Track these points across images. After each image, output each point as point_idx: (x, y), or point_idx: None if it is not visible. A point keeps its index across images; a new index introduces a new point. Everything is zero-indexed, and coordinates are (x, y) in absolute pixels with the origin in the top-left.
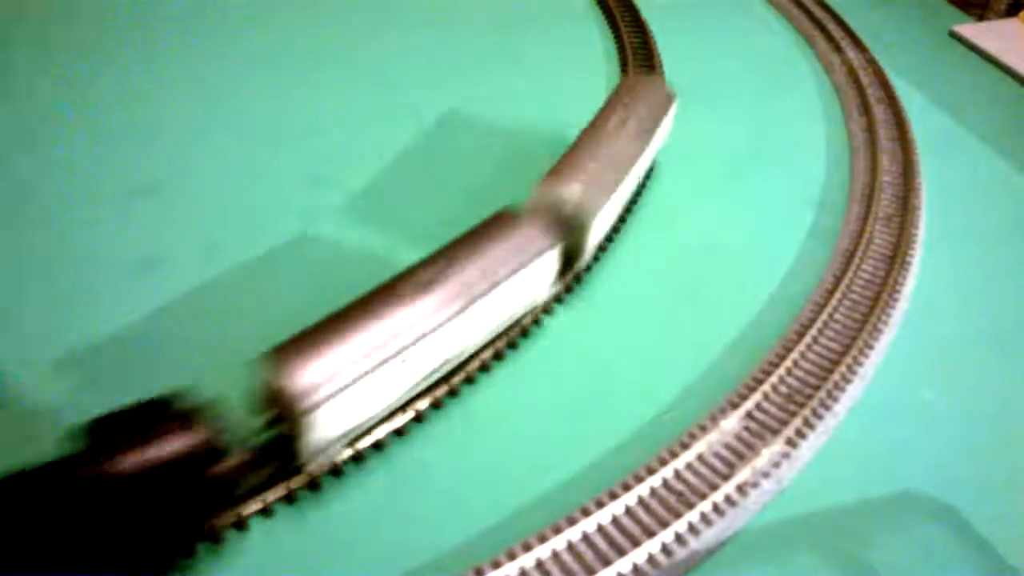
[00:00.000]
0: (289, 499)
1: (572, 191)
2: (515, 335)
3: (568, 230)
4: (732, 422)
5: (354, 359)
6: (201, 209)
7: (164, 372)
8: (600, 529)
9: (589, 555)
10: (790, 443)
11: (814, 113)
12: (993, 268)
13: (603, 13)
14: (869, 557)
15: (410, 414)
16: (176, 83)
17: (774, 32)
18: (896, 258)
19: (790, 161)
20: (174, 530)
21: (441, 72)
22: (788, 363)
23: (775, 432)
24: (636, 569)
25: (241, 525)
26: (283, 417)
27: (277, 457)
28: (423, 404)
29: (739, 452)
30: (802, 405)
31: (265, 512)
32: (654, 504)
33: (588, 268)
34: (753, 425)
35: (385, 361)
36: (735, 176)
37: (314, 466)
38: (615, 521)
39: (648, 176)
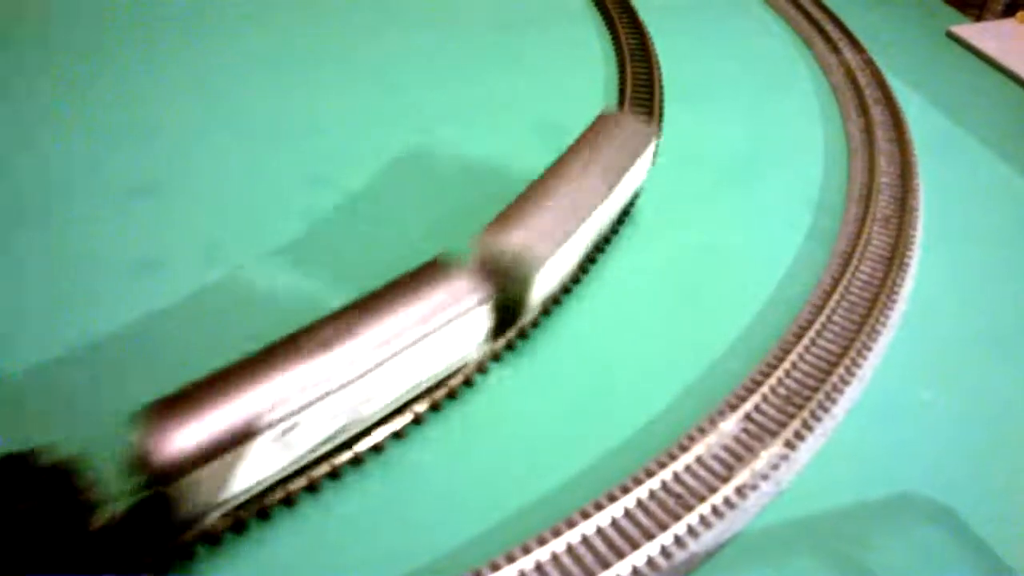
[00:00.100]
0: (288, 502)
1: (516, 241)
2: (500, 348)
3: (505, 285)
4: (731, 424)
5: (234, 423)
6: (201, 209)
7: (164, 372)
8: (599, 532)
9: (588, 558)
10: (789, 445)
11: (812, 114)
12: (991, 269)
13: (601, 14)
14: (868, 559)
15: (408, 417)
16: (176, 83)
17: (772, 33)
18: (894, 259)
19: (788, 162)
20: None
21: (441, 72)
22: (786, 365)
23: (774, 434)
24: (635, 572)
25: (240, 528)
26: (149, 483)
27: (146, 523)
28: (421, 407)
29: (738, 454)
30: (801, 407)
31: (263, 515)
32: (653, 507)
33: (586, 270)
34: (752, 427)
35: (269, 426)
36: (733, 177)
37: (190, 536)
38: (614, 524)
39: (626, 213)
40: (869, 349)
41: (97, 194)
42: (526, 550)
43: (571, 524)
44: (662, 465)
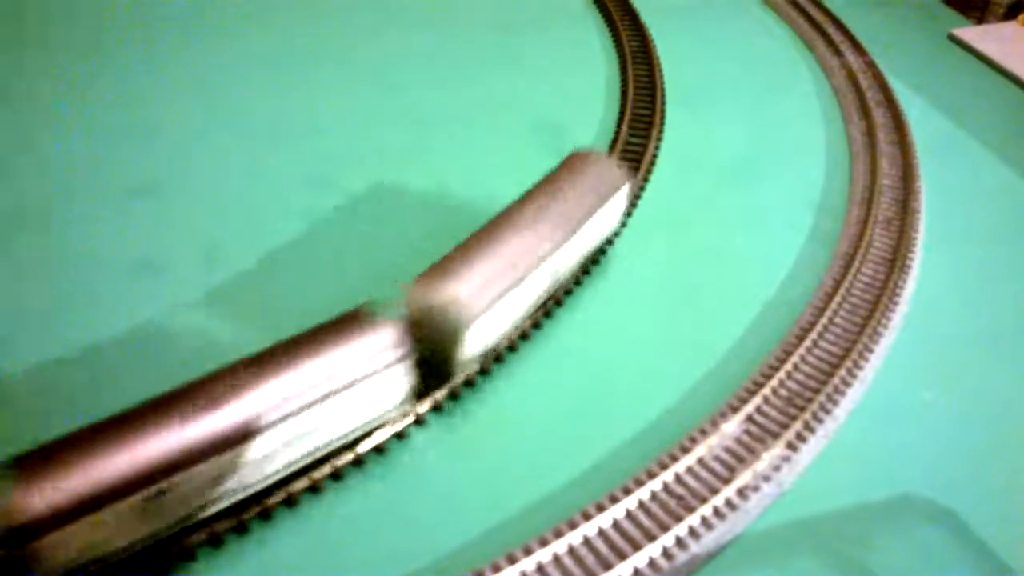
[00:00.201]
0: (289, 502)
1: (447, 294)
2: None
3: (430, 342)
4: (733, 426)
5: (98, 485)
6: (201, 209)
7: (164, 373)
8: (601, 533)
9: (590, 559)
10: (790, 446)
11: (814, 116)
12: (992, 270)
13: (602, 15)
14: (869, 560)
15: (411, 417)
16: (176, 83)
17: (773, 35)
18: (896, 261)
19: (790, 164)
20: None
21: (441, 72)
22: (788, 367)
23: (775, 436)
24: (637, 573)
25: (242, 528)
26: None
27: None
28: (423, 408)
29: (739, 456)
30: (802, 408)
31: (265, 515)
32: (655, 508)
33: (588, 272)
34: (753, 428)
35: (136, 489)
36: (735, 179)
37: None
38: (616, 525)
39: (593, 262)
40: (871, 351)
41: (97, 194)
42: (528, 551)
43: (573, 525)
44: (664, 466)
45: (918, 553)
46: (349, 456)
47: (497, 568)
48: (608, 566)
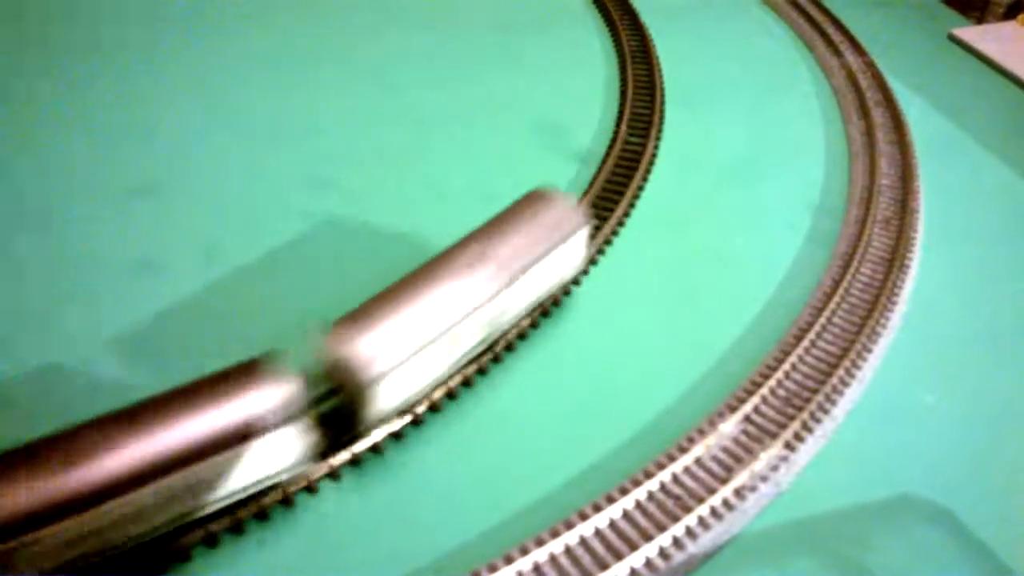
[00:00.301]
0: (286, 502)
1: (359, 346)
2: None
3: (335, 397)
4: (730, 426)
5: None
6: (201, 209)
7: (164, 373)
8: (597, 533)
9: (586, 559)
10: (788, 446)
11: (813, 116)
12: (992, 270)
13: (601, 15)
14: (867, 560)
15: (408, 418)
16: (176, 83)
17: (773, 35)
18: (895, 261)
19: (789, 164)
20: None
21: (440, 72)
22: (786, 366)
23: (773, 436)
24: (633, 573)
25: (238, 529)
26: None
27: None
28: (421, 408)
29: (737, 456)
30: (800, 408)
31: (261, 516)
32: (652, 508)
33: (586, 271)
34: (751, 429)
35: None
36: (734, 179)
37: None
38: (612, 525)
39: (544, 314)
40: (869, 351)
41: (97, 194)
42: (524, 551)
43: (569, 526)
44: (661, 467)
45: (917, 553)
46: (345, 455)
47: (494, 568)
48: (605, 566)
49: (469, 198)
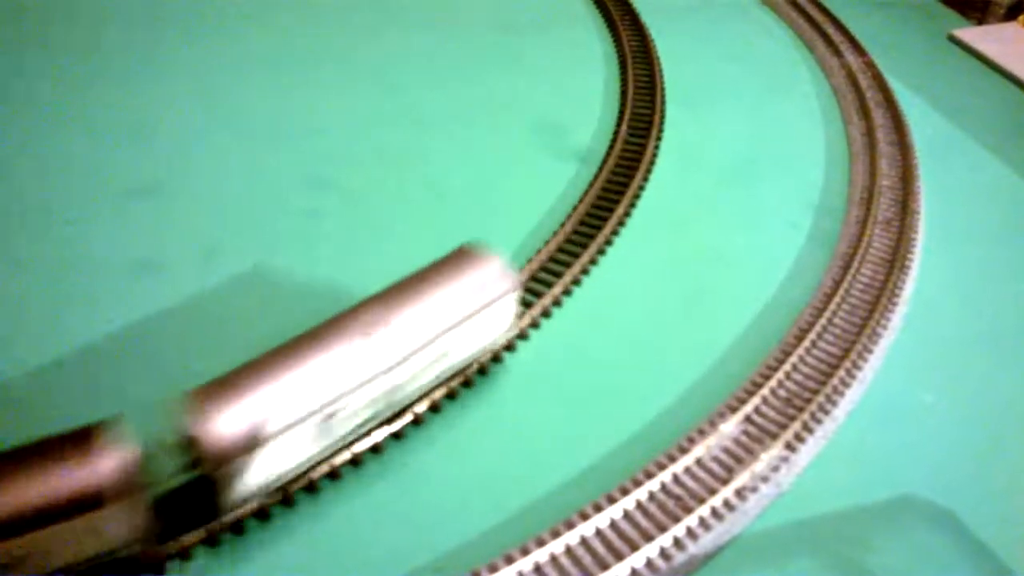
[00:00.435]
0: (286, 503)
1: (217, 421)
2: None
3: (183, 474)
4: (731, 426)
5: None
6: (201, 210)
7: (165, 375)
8: (598, 533)
9: (587, 559)
10: (789, 447)
11: (813, 117)
12: (992, 271)
13: (602, 16)
14: (868, 561)
15: (408, 417)
16: (176, 83)
17: (773, 36)
18: (895, 262)
19: (789, 165)
20: None
21: (441, 72)
22: (787, 367)
23: (774, 436)
24: (634, 573)
25: (239, 529)
26: None
27: None
28: (421, 408)
29: (738, 456)
30: (801, 409)
31: (262, 516)
32: (652, 508)
33: (587, 271)
34: (752, 429)
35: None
36: (734, 180)
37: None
38: (613, 525)
39: (466, 384)
40: (870, 351)
41: (97, 194)
42: (524, 551)
43: (570, 526)
44: (661, 467)
45: (917, 554)
46: (346, 456)
47: (494, 568)
48: (605, 567)
49: (469, 198)
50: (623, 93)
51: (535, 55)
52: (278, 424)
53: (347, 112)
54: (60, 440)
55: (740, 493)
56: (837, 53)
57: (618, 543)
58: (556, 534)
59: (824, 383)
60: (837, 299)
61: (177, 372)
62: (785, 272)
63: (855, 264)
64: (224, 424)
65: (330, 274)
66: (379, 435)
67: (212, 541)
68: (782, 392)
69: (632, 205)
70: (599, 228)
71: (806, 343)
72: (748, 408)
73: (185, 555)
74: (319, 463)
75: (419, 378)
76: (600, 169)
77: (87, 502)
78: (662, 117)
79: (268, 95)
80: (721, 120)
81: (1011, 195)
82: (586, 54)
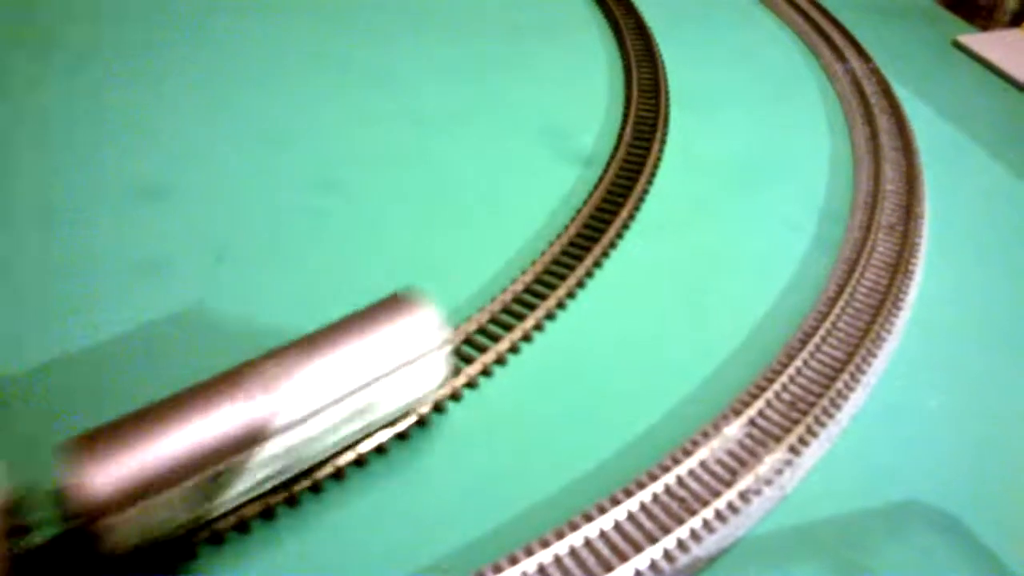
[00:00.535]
0: (291, 502)
1: (91, 479)
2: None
3: (46, 529)
4: (735, 429)
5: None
6: (207, 212)
7: (165, 374)
8: (602, 535)
9: (591, 560)
10: (793, 450)
11: (818, 122)
12: (997, 276)
13: (607, 21)
14: (872, 564)
15: (413, 417)
16: (181, 85)
17: (778, 42)
18: (899, 267)
19: (793, 170)
20: None
21: (444, 76)
22: (791, 371)
23: (778, 439)
24: (638, 574)
25: (243, 527)
26: None
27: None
28: (425, 409)
29: (742, 459)
30: (805, 413)
31: (267, 514)
32: (656, 510)
33: (593, 271)
34: (756, 432)
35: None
36: (738, 184)
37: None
38: (618, 526)
39: (380, 450)
40: (874, 356)
41: (101, 196)
42: (529, 551)
43: (574, 527)
44: (666, 469)
45: (922, 559)
46: (350, 456)
47: (499, 568)
48: (609, 567)
49: (472, 199)
50: (627, 97)
51: (540, 59)
52: (159, 482)
53: (352, 115)
54: None
55: (744, 496)
56: (842, 59)
57: (622, 544)
58: (560, 535)
59: (828, 387)
60: (841, 304)
61: (180, 371)
62: (788, 276)
63: (859, 269)
64: (99, 478)
65: (333, 277)
66: (383, 436)
67: (217, 539)
68: (786, 396)
69: (636, 208)
70: (603, 231)
71: (810, 347)
72: (752, 411)
73: (190, 553)
74: (262, 495)
75: (333, 433)
76: (604, 172)
77: None
78: (666, 121)
79: (274, 98)
80: (726, 125)
81: (1016, 200)
82: (590, 58)
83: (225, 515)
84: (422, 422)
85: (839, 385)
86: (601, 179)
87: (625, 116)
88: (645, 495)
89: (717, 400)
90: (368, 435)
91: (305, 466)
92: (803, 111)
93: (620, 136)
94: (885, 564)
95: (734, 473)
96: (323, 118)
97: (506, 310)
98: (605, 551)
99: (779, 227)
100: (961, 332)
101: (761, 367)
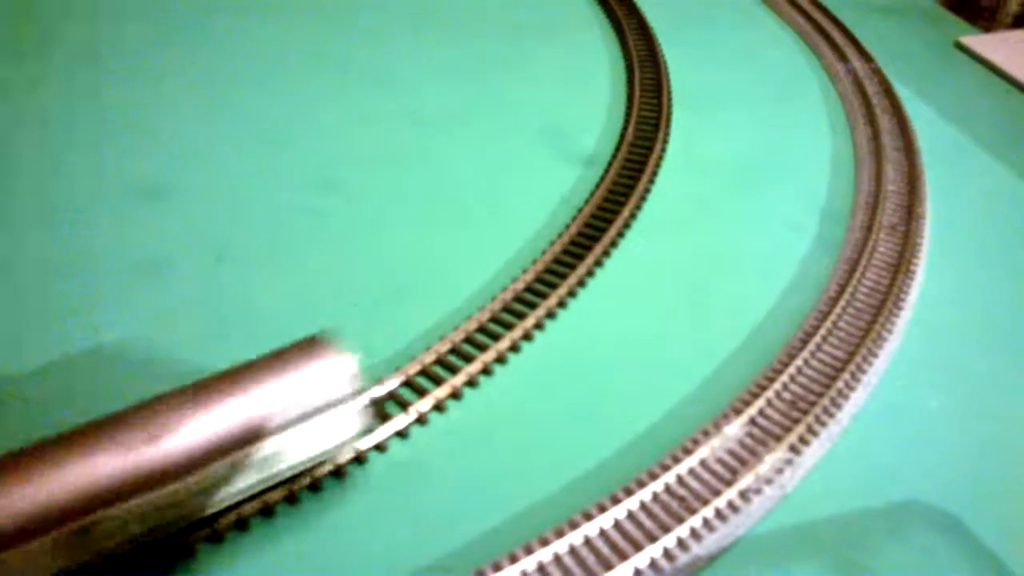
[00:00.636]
0: (291, 500)
1: None
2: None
3: None
4: (735, 428)
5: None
6: (207, 212)
7: (165, 378)
8: (602, 533)
9: (591, 559)
10: (793, 450)
11: (819, 123)
12: (998, 277)
13: (610, 22)
14: (872, 564)
15: (412, 415)
16: (181, 85)
17: (781, 43)
18: (900, 267)
19: (795, 170)
20: None
21: (444, 75)
22: (792, 370)
23: (778, 439)
24: (638, 573)
25: (243, 525)
26: None
27: None
28: (425, 405)
29: (742, 458)
30: (806, 412)
31: (266, 512)
32: (656, 509)
33: (594, 270)
34: (756, 431)
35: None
36: (740, 184)
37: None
38: (618, 525)
39: (291, 500)
40: (875, 355)
41: (101, 197)
42: (528, 550)
43: (574, 525)
44: (666, 468)
45: (922, 558)
46: (350, 454)
47: (498, 567)
48: (609, 566)
49: (472, 200)
50: (630, 97)
51: (542, 58)
52: (18, 532)
53: (352, 115)
54: None
55: (744, 495)
56: (844, 59)
57: (622, 543)
58: (560, 533)
59: (828, 387)
60: (842, 303)
61: (181, 372)
62: (790, 276)
63: (860, 269)
64: None
65: (334, 278)
66: (383, 433)
67: (216, 538)
68: (786, 395)
69: (638, 207)
70: (604, 230)
71: (811, 347)
72: (752, 411)
73: (189, 551)
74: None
75: (227, 485)
76: (606, 172)
77: None
78: (669, 121)
79: (274, 98)
80: (728, 125)
81: (1018, 201)
82: (592, 58)
83: (224, 512)
84: (421, 419)
85: (840, 385)
86: (603, 178)
87: (627, 116)
88: (645, 494)
89: (718, 399)
90: (274, 486)
91: (194, 519)
92: (805, 111)
93: (622, 136)
94: (886, 564)
95: (734, 472)
96: (323, 118)
97: (507, 309)
98: (605, 549)
99: (781, 227)
100: (962, 332)
101: (762, 366)
